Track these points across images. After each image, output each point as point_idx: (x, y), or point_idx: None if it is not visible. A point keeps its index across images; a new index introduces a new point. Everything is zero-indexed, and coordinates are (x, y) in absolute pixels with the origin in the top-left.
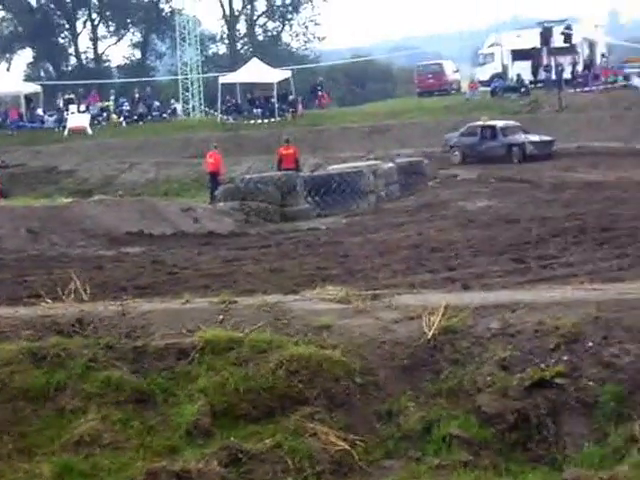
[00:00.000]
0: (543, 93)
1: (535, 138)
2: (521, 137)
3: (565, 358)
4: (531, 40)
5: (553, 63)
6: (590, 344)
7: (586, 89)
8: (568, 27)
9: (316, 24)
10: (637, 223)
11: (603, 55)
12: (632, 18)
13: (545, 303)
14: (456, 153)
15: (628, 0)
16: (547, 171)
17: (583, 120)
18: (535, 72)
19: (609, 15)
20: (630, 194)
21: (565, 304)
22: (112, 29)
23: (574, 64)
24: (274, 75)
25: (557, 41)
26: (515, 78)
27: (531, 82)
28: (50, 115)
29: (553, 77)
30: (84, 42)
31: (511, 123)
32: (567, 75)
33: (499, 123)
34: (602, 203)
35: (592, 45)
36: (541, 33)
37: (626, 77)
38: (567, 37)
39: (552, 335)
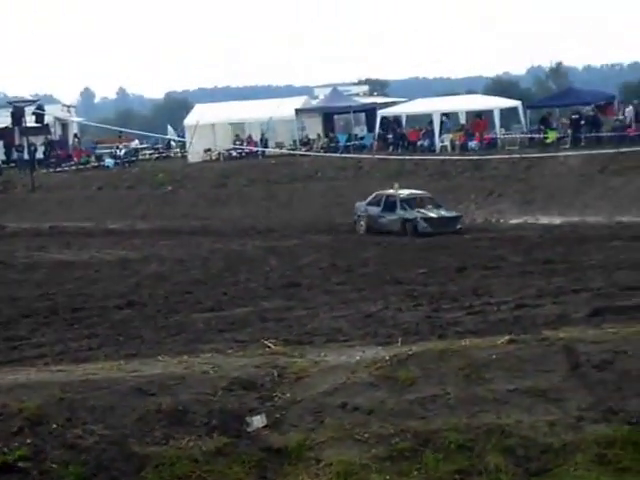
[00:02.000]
0: (16, 173)
1: (433, 214)
2: (417, 212)
3: (29, 441)
4: (3, 119)
5: (26, 143)
6: (55, 426)
7: (59, 169)
8: (40, 107)
9: None
10: (107, 302)
11: (76, 135)
12: (103, 98)
13: (9, 386)
14: (361, 223)
15: (100, 81)
16: (20, 251)
17: (56, 200)
18: (8, 152)
19: (82, 95)
20: (101, 274)
21: (30, 386)
22: None
23: (47, 144)
24: None
25: (30, 121)
26: None
27: (4, 162)
28: None
29: (26, 157)
30: None
31: (419, 193)
32: (40, 155)
33: (403, 193)
34: (74, 283)
35: (65, 125)
36: (12, 113)
37: (98, 157)
38: (39, 117)
39: (16, 418)
